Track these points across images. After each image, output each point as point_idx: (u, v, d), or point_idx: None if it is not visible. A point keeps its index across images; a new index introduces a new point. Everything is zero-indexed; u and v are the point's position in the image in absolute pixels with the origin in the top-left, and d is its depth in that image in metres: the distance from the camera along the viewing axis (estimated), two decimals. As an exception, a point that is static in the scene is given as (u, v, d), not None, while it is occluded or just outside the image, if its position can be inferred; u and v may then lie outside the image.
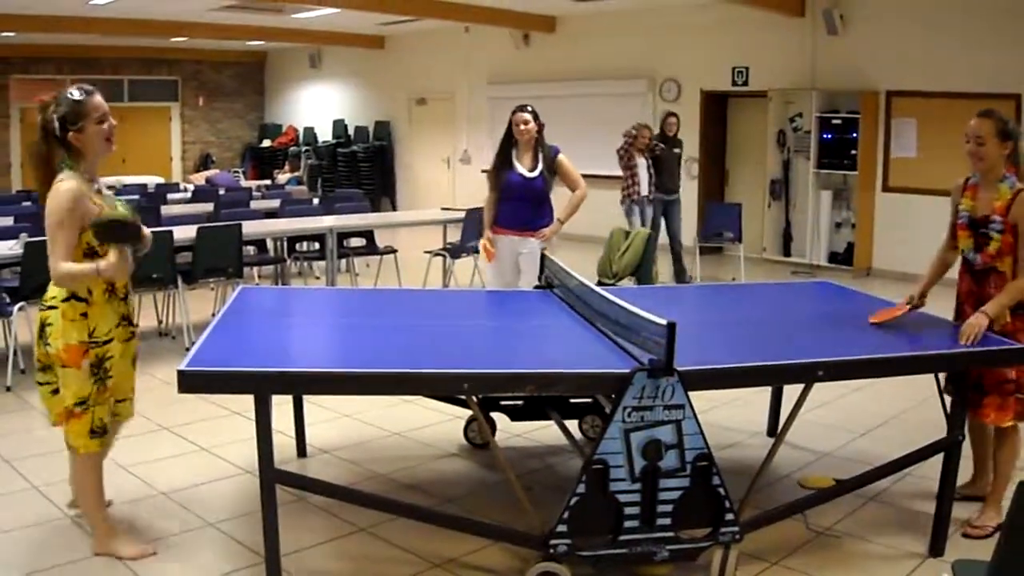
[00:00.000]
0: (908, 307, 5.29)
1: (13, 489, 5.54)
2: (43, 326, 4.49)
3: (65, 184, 4.36)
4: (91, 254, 4.41)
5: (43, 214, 4.41)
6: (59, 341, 4.43)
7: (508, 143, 7.50)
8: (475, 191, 17.66)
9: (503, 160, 7.52)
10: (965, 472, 5.19)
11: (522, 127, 7.38)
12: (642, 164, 12.71)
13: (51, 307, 4.47)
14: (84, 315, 4.45)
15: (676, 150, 13.33)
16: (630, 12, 16.50)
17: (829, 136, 14.33)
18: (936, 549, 4.72)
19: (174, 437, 6.32)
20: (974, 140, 5.00)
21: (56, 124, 4.38)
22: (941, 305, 5.41)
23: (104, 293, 4.51)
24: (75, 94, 4.44)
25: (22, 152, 21.76)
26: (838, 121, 14.26)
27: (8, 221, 10.81)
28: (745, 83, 15.58)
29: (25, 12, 16.01)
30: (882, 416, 7.02)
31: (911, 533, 4.96)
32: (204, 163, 23.82)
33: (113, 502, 5.15)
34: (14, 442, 6.30)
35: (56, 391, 4.58)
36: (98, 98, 4.49)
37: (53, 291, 4.47)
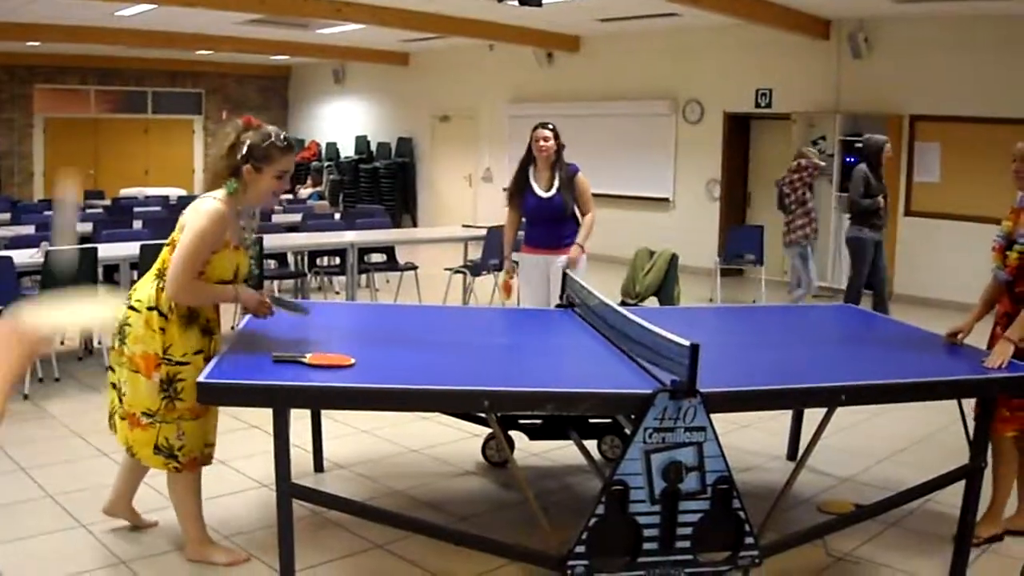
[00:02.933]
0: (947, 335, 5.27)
1: (30, 497, 5.54)
2: (123, 325, 4.48)
3: (216, 204, 4.38)
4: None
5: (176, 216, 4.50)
6: (137, 346, 4.43)
7: (527, 161, 7.50)
8: (497, 209, 17.63)
9: (520, 180, 7.53)
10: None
11: (542, 143, 7.37)
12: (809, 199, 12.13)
13: (134, 308, 4.47)
14: (162, 330, 4.42)
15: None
16: (654, 33, 16.49)
17: (852, 159, 14.26)
18: (957, 577, 4.68)
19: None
20: (1019, 161, 5.06)
21: (245, 148, 4.41)
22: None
23: (182, 318, 4.46)
24: (278, 137, 4.49)
25: (46, 161, 21.90)
26: (861, 145, 14.20)
27: (30, 229, 10.84)
28: (768, 105, 15.56)
29: (51, 22, 16.07)
30: (904, 441, 6.98)
31: (931, 560, 4.91)
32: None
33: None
34: (31, 450, 6.29)
35: (114, 384, 4.61)
36: (292, 157, 4.55)
37: (141, 294, 4.48)
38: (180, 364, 4.44)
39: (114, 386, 4.63)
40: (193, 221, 4.36)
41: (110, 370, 4.68)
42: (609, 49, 17.54)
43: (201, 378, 3.92)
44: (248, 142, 4.40)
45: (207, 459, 4.70)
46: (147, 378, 4.43)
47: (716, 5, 12.66)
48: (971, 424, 4.74)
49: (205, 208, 4.37)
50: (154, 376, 4.42)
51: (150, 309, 4.43)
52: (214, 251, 4.40)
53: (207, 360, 4.40)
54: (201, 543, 4.76)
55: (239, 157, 4.41)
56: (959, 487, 4.68)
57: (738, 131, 16.33)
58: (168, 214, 12.95)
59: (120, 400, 4.56)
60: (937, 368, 4.99)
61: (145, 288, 4.51)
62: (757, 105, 15.73)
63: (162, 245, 4.60)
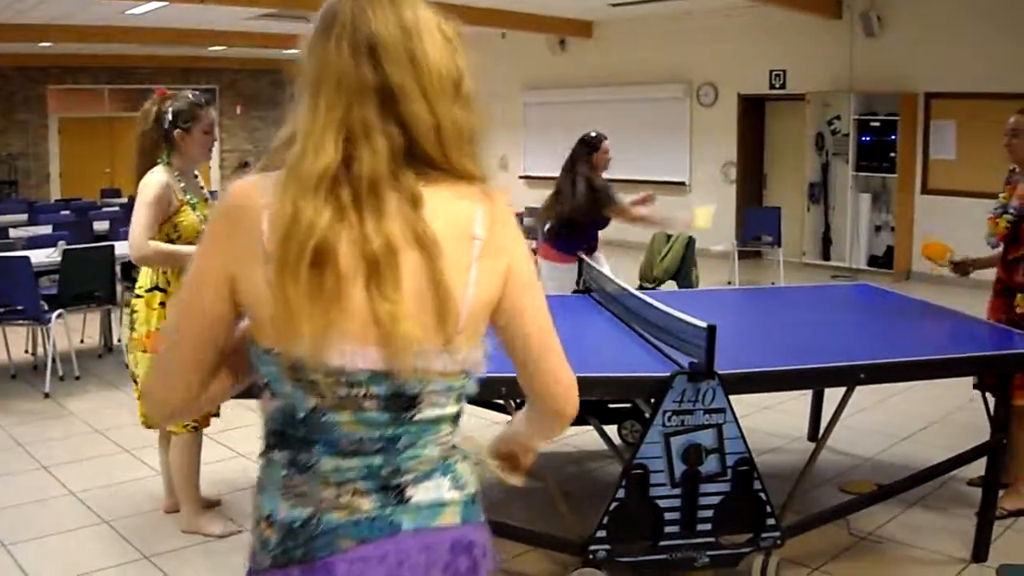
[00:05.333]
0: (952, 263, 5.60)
1: (52, 495, 5.57)
2: (132, 312, 4.76)
3: (156, 175, 4.64)
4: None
5: (130, 204, 4.83)
6: (143, 327, 4.68)
7: (589, 169, 7.35)
8: (514, 197, 17.65)
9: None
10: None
11: (607, 156, 7.34)
12: None
13: (138, 296, 4.73)
14: (163, 304, 4.66)
15: None
16: (666, 17, 16.46)
17: (868, 139, 14.25)
18: (979, 554, 4.67)
19: (212, 443, 6.33)
20: (1010, 134, 5.23)
21: (169, 117, 4.70)
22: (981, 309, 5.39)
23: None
24: (192, 96, 4.81)
25: (61, 161, 21.93)
26: (876, 123, 14.17)
27: (47, 229, 10.88)
28: (783, 86, 15.53)
29: (62, 22, 16.08)
30: (924, 419, 6.96)
31: (954, 538, 4.91)
32: (242, 169, 23.87)
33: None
34: (53, 449, 6.33)
35: (134, 376, 4.84)
36: (212, 111, 4.87)
37: (142, 280, 4.74)
38: None
39: (134, 378, 4.84)
40: (139, 193, 4.62)
41: (128, 365, 4.90)
42: (621, 34, 17.51)
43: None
44: (172, 109, 4.71)
45: (215, 412, 4.98)
46: (155, 353, 4.50)
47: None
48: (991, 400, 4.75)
49: (146, 180, 4.63)
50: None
51: (149, 291, 4.69)
52: (171, 215, 4.66)
53: None
54: (196, 514, 4.96)
55: (167, 126, 4.71)
56: (980, 464, 4.68)
57: (753, 113, 16.33)
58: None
59: (135, 382, 4.80)
60: (956, 345, 4.99)
61: (143, 275, 4.78)
62: (771, 87, 15.70)
63: None
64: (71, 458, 6.12)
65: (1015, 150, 5.26)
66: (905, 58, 13.92)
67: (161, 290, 4.68)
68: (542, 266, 7.25)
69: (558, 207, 7.30)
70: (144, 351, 4.65)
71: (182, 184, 4.76)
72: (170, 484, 5.11)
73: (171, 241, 4.66)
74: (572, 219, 7.18)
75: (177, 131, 4.71)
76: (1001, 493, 4.95)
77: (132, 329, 4.75)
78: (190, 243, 4.69)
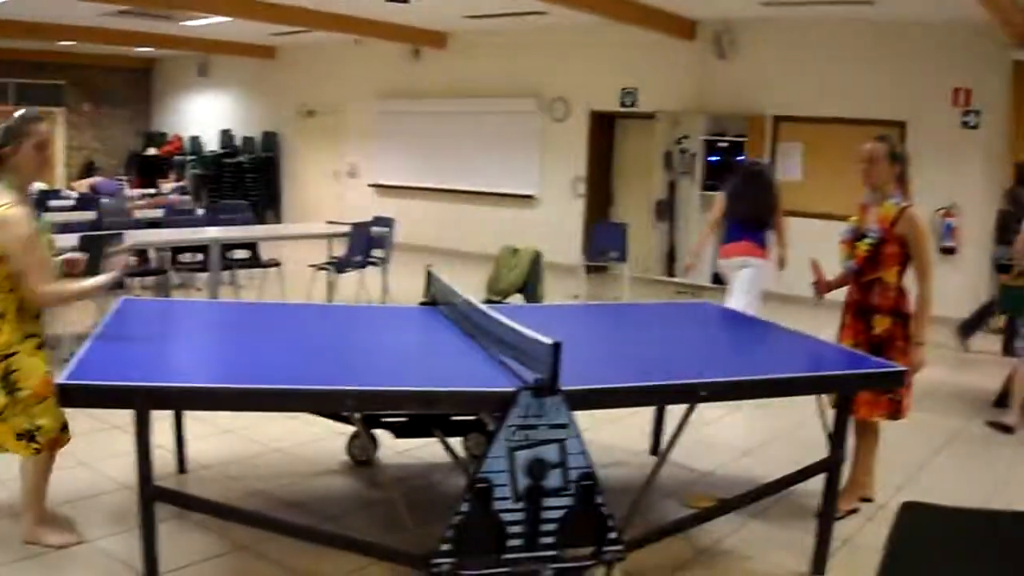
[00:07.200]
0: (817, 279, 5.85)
1: None
2: (3, 376, 4.57)
3: (17, 210, 4.49)
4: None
5: None
6: (31, 380, 4.58)
7: None
8: (365, 205, 17.63)
9: None
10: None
11: None
12: None
13: (7, 355, 4.56)
14: (40, 347, 4.63)
15: None
16: (521, 31, 16.55)
17: (716, 158, 14.52)
18: (818, 568, 4.80)
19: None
20: (866, 160, 5.46)
21: (1, 134, 4.58)
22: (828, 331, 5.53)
23: (18, 312, 4.58)
24: (25, 112, 4.71)
25: None
26: (725, 144, 14.46)
27: None
28: (634, 104, 15.73)
29: (-93, 11, 15.65)
30: (765, 435, 7.12)
31: (793, 551, 5.01)
32: (88, 170, 23.39)
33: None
34: None
35: None
36: (42, 126, 4.70)
37: (3, 337, 4.55)
38: (9, 356, 4.56)
39: (32, 435, 4.69)
40: (12, 234, 4.45)
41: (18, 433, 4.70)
42: (476, 46, 17.54)
43: (61, 380, 3.85)
44: (2, 127, 4.60)
45: (64, 441, 4.81)
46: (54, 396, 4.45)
47: (583, 4, 12.74)
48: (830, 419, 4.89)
49: (12, 219, 4.47)
50: None
51: (25, 339, 4.58)
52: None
53: (41, 343, 4.68)
54: (38, 524, 4.86)
55: None
56: (820, 478, 4.80)
57: (603, 129, 16.51)
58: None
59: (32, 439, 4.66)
60: (797, 365, 5.12)
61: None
62: (622, 104, 15.89)
63: None
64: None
65: (870, 176, 5.47)
66: (755, 81, 14.23)
67: (31, 335, 4.61)
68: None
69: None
70: (42, 401, 4.58)
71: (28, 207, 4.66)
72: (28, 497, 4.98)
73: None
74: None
75: (7, 148, 4.56)
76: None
77: (16, 390, 4.55)
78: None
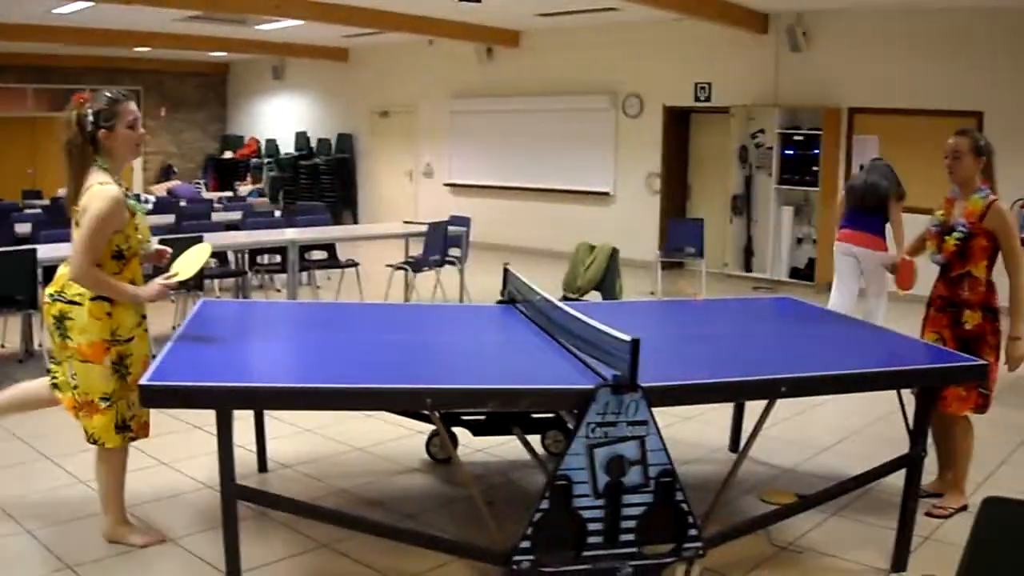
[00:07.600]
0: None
1: (57, 484, 5.62)
2: (62, 319, 4.57)
3: (109, 189, 4.49)
4: (118, 256, 4.60)
5: (66, 209, 4.64)
6: (83, 337, 4.53)
7: None
8: (438, 204, 17.68)
9: None
10: (929, 472, 5.26)
11: None
12: None
13: (73, 302, 4.54)
14: (109, 315, 4.57)
15: None
16: (593, 27, 16.53)
17: (791, 152, 14.41)
18: (898, 564, 4.72)
19: (134, 451, 6.25)
20: (951, 155, 5.39)
21: (90, 119, 4.54)
22: (910, 323, 5.47)
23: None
24: (111, 94, 4.63)
25: None
26: (800, 137, 14.34)
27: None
28: (708, 99, 15.65)
29: (-14, 21, 15.90)
30: (844, 431, 7.05)
31: (873, 548, 4.96)
32: (166, 174, 23.67)
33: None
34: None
35: (56, 386, 4.75)
36: (132, 104, 4.68)
37: (77, 287, 4.53)
38: (127, 342, 4.65)
39: (55, 385, 4.74)
40: (92, 208, 4.44)
41: (49, 371, 4.78)
42: (549, 44, 17.55)
43: (143, 381, 3.89)
44: (92, 110, 4.56)
45: (147, 430, 4.89)
46: (99, 364, 4.55)
47: (655, 0, 12.70)
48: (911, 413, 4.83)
49: (103, 192, 4.47)
50: (105, 360, 4.56)
51: (93, 300, 4.52)
52: (122, 227, 4.56)
53: (144, 319, 4.81)
54: (120, 523, 4.88)
55: (90, 128, 4.55)
56: (900, 474, 4.74)
57: (678, 125, 16.42)
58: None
59: (73, 393, 4.65)
60: (878, 359, 5.06)
61: None
62: (696, 99, 15.82)
63: None
64: (77, 449, 6.02)
65: (955, 170, 5.40)
66: (829, 73, 14.11)
67: (108, 300, 4.55)
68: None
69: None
70: (83, 361, 4.54)
71: (125, 190, 4.66)
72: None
73: (121, 252, 4.58)
74: None
75: (101, 131, 4.55)
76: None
77: (64, 336, 4.56)
78: (136, 254, 4.72)
